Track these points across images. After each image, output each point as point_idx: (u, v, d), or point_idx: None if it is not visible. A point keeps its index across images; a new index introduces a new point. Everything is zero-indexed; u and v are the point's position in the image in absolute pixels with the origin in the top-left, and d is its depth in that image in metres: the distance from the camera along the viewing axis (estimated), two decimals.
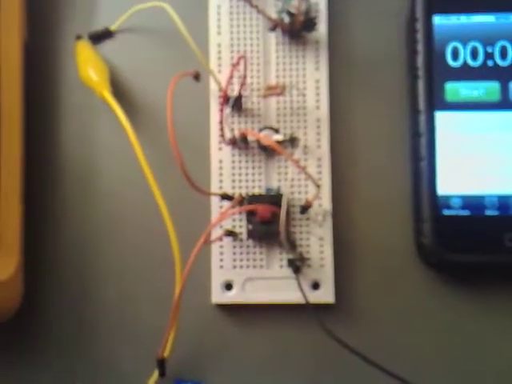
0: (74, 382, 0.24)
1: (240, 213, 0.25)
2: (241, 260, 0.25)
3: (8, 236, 0.24)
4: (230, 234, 0.25)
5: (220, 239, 0.25)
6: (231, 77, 0.23)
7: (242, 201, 0.24)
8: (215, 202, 0.25)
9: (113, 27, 0.26)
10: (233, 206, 0.24)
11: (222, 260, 0.25)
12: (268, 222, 0.24)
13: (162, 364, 0.23)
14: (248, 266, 0.25)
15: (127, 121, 0.23)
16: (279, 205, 0.24)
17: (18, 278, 0.24)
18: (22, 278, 0.25)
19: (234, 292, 0.25)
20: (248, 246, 0.25)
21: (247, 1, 0.24)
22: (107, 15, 0.26)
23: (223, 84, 0.24)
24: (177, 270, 0.23)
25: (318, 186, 0.24)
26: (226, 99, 0.24)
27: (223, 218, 0.24)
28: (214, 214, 0.25)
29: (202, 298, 0.25)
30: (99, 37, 0.26)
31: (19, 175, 0.24)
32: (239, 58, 0.23)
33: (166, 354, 0.23)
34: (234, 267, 0.25)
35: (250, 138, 0.25)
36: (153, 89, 0.26)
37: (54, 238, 0.26)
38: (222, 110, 0.23)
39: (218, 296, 0.25)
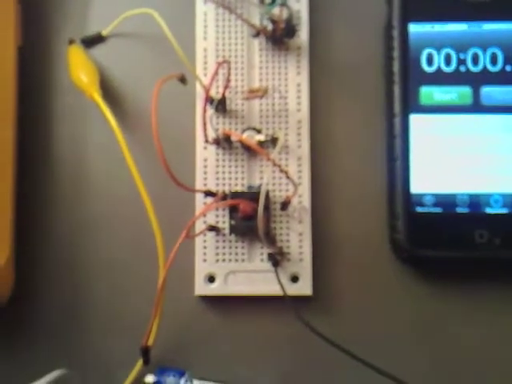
0: (60, 368, 0.25)
1: (223, 208, 0.26)
2: (223, 254, 0.26)
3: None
4: (213, 228, 0.26)
5: (203, 234, 0.26)
6: (214, 76, 0.24)
7: (224, 197, 0.26)
8: (199, 198, 0.26)
9: (104, 32, 0.27)
10: (216, 202, 0.26)
11: (205, 254, 0.26)
12: (249, 217, 0.25)
13: (145, 352, 0.24)
14: (230, 260, 0.26)
15: (115, 121, 0.24)
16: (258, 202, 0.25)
17: (8, 269, 0.25)
18: (13, 269, 0.26)
19: (216, 284, 0.26)
20: (230, 241, 0.26)
21: (231, 10, 0.26)
22: (99, 20, 0.28)
23: (207, 86, 0.25)
24: (160, 263, 0.24)
25: (296, 185, 0.25)
26: (209, 100, 0.25)
27: (205, 211, 0.25)
28: (199, 210, 0.26)
29: (186, 289, 0.26)
30: (91, 41, 0.27)
31: (11, 171, 0.26)
32: (223, 61, 0.25)
33: (150, 342, 0.24)
34: (217, 261, 0.26)
35: (233, 138, 0.26)
36: (141, 91, 0.27)
37: (45, 231, 0.27)
38: (205, 111, 0.25)
39: (202, 288, 0.26)
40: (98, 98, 0.25)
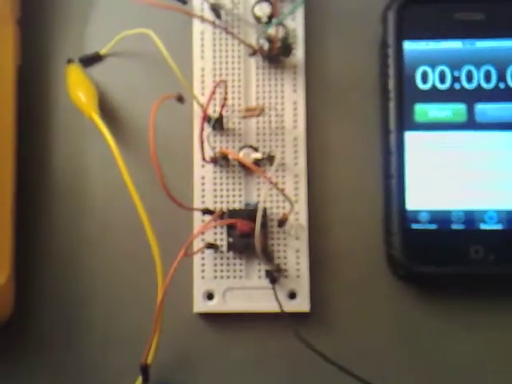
0: None
1: (221, 226, 0.26)
2: (221, 271, 0.26)
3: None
4: (211, 246, 0.26)
5: (202, 251, 0.26)
6: (210, 98, 0.24)
7: (222, 215, 0.26)
8: (197, 216, 0.26)
9: (102, 51, 0.28)
10: (213, 220, 0.26)
11: (203, 271, 0.26)
12: (247, 235, 0.25)
13: (145, 370, 0.25)
14: (228, 277, 0.26)
15: (113, 141, 0.25)
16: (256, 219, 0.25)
17: (9, 287, 0.25)
18: (13, 287, 0.26)
19: (214, 301, 0.26)
20: (228, 258, 0.26)
21: (227, 30, 0.26)
22: (97, 40, 0.28)
23: (205, 105, 0.26)
24: (159, 281, 0.24)
25: (292, 202, 0.25)
26: (207, 119, 0.26)
27: (203, 230, 0.26)
28: (196, 227, 0.26)
29: (184, 306, 0.26)
30: (89, 60, 0.28)
31: (11, 189, 0.26)
32: (219, 82, 0.25)
33: (150, 360, 0.25)
34: (215, 278, 0.26)
35: (230, 156, 0.26)
36: (139, 110, 0.28)
37: (43, 247, 0.27)
38: (202, 130, 0.25)
39: (200, 305, 0.26)
40: (96, 118, 0.25)
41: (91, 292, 0.27)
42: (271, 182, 0.25)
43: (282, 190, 0.25)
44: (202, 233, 0.26)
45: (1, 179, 0.25)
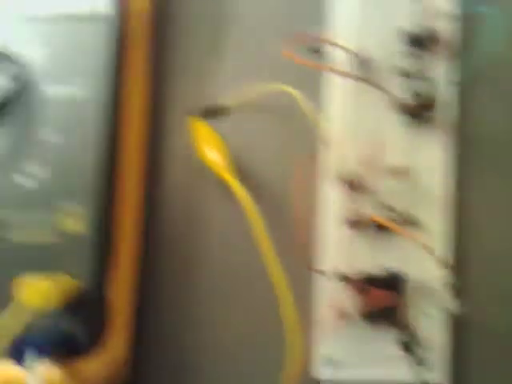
0: None
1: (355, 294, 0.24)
2: (349, 336, 0.24)
3: (120, 319, 0.24)
4: (343, 315, 0.24)
5: (333, 321, 0.24)
6: (360, 166, 0.23)
7: (358, 282, 0.24)
8: (329, 281, 0.24)
9: (228, 104, 0.26)
10: (348, 287, 0.24)
11: (328, 335, 0.24)
12: (385, 306, 0.24)
13: None
14: (357, 343, 0.24)
15: (250, 202, 0.23)
16: (396, 287, 0.24)
17: (127, 357, 0.24)
18: (131, 356, 0.25)
19: (338, 368, 0.24)
20: (357, 324, 0.24)
21: (370, 82, 0.24)
22: (222, 91, 0.26)
23: (344, 164, 0.24)
24: (293, 356, 0.23)
25: (447, 267, 0.23)
26: (346, 181, 0.24)
27: (338, 300, 0.24)
28: (329, 295, 0.24)
29: (304, 373, 0.24)
30: (213, 113, 0.26)
31: (135, 252, 0.25)
32: (365, 143, 0.23)
33: None
34: (341, 343, 0.24)
35: (370, 218, 0.24)
36: (267, 166, 0.26)
37: (160, 313, 0.26)
38: (342, 191, 0.23)
39: (321, 372, 0.24)
40: (231, 179, 0.23)
41: (210, 362, 0.25)
42: (424, 246, 0.23)
43: (434, 254, 0.23)
44: (337, 302, 0.24)
45: (128, 242, 0.24)
